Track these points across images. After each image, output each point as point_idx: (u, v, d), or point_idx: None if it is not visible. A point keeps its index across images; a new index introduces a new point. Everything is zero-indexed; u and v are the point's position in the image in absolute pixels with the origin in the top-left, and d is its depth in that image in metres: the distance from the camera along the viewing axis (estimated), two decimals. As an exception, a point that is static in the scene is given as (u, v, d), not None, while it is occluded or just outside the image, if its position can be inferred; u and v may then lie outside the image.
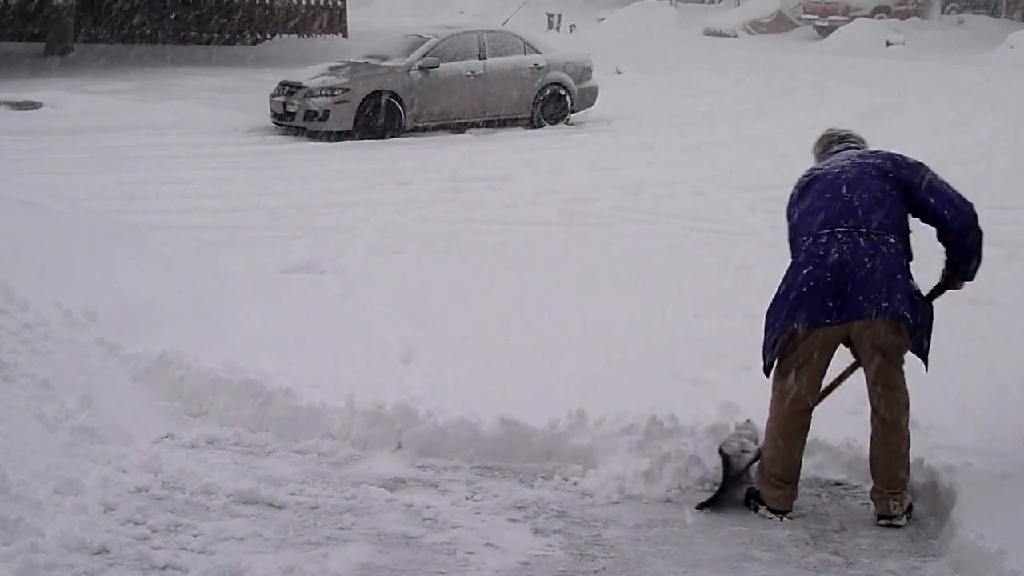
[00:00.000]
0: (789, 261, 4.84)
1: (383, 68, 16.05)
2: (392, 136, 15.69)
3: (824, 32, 32.12)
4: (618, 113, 18.06)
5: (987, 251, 9.38)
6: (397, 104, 15.79)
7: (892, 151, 4.96)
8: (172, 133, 15.71)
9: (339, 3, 29.00)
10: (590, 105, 17.69)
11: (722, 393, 5.81)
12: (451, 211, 10.94)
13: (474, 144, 15.42)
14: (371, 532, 4.62)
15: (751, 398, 5.72)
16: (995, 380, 5.98)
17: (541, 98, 17.08)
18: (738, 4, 37.24)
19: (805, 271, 4.62)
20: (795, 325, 4.65)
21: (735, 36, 33.73)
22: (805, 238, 4.72)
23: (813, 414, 4.98)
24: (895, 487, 4.79)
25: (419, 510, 4.83)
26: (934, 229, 4.81)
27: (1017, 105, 18.43)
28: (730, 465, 4.97)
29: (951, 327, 6.93)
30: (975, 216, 4.77)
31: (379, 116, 15.70)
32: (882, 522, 4.80)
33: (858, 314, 4.59)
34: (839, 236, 4.63)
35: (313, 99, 15.41)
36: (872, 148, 5.14)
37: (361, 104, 15.53)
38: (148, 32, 26.49)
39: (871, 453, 4.86)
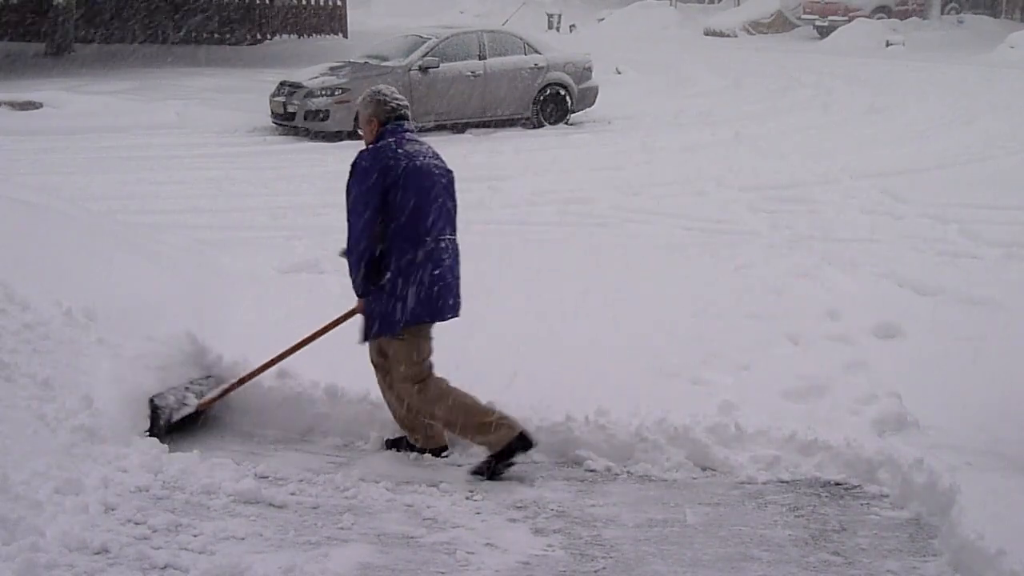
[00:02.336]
0: (397, 246, 5.13)
1: (383, 68, 16.05)
2: (392, 136, 15.67)
3: (824, 32, 32.11)
4: (618, 113, 18.07)
5: (987, 251, 9.45)
6: (397, 104, 15.76)
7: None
8: (172, 133, 15.72)
9: (339, 3, 29.02)
10: (590, 105, 17.69)
11: (722, 393, 5.81)
12: (451, 211, 10.92)
13: (474, 144, 15.42)
14: (371, 532, 4.63)
15: (751, 398, 5.75)
16: (995, 380, 5.98)
17: (541, 98, 17.09)
18: (738, 4, 37.23)
19: (436, 271, 5.19)
20: (435, 317, 5.25)
21: (735, 36, 33.73)
22: (428, 239, 5.18)
23: (813, 415, 5.01)
24: None
25: (419, 510, 4.84)
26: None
27: (1017, 105, 18.43)
28: (158, 417, 5.39)
29: (951, 327, 6.97)
30: None
31: (379, 116, 15.68)
32: (445, 454, 5.43)
33: (456, 312, 5.35)
34: (448, 243, 5.29)
35: (313, 99, 15.42)
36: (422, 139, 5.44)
37: (361, 104, 15.51)
38: (148, 32, 26.50)
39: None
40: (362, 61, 16.55)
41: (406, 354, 5.26)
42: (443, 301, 5.23)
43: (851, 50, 28.55)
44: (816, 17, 32.99)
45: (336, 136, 15.39)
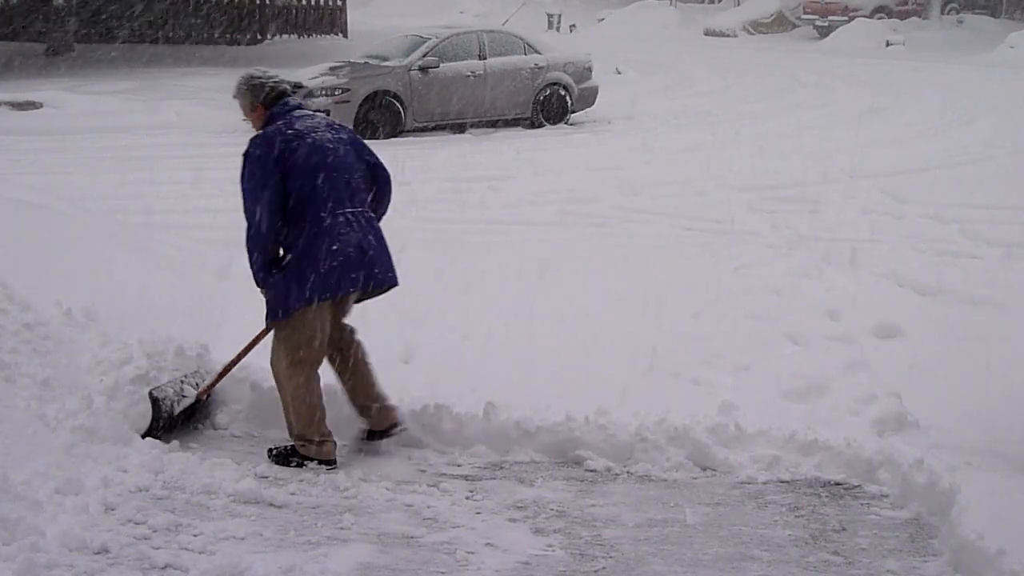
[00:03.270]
0: (296, 230, 5.06)
1: (383, 68, 16.06)
2: (392, 136, 15.70)
3: (824, 32, 32.14)
4: (618, 113, 18.08)
5: (987, 251, 9.46)
6: (397, 104, 15.80)
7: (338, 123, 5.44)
8: (172, 133, 15.73)
9: (339, 3, 29.04)
10: (590, 105, 17.70)
11: (722, 393, 5.81)
12: (451, 211, 10.94)
13: (474, 144, 15.42)
14: (371, 532, 4.63)
15: (751, 398, 5.75)
16: (995, 380, 5.97)
17: (541, 98, 17.10)
18: (738, 4, 37.24)
19: (334, 247, 5.03)
20: (328, 294, 5.07)
21: (735, 36, 33.76)
22: (324, 215, 5.05)
23: (813, 415, 5.00)
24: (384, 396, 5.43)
25: (419, 510, 4.84)
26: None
27: (1017, 105, 18.43)
28: (159, 409, 5.39)
29: (951, 327, 6.97)
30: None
31: (379, 116, 15.70)
32: (395, 431, 5.41)
33: (380, 283, 5.24)
34: (349, 216, 5.11)
35: (313, 99, 15.40)
36: (317, 112, 5.49)
37: (361, 104, 15.54)
38: (148, 32, 26.51)
39: (359, 383, 5.40)
40: (362, 61, 16.56)
41: (292, 332, 5.11)
42: (342, 276, 5.04)
43: (851, 50, 28.56)
44: (816, 17, 33.02)
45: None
